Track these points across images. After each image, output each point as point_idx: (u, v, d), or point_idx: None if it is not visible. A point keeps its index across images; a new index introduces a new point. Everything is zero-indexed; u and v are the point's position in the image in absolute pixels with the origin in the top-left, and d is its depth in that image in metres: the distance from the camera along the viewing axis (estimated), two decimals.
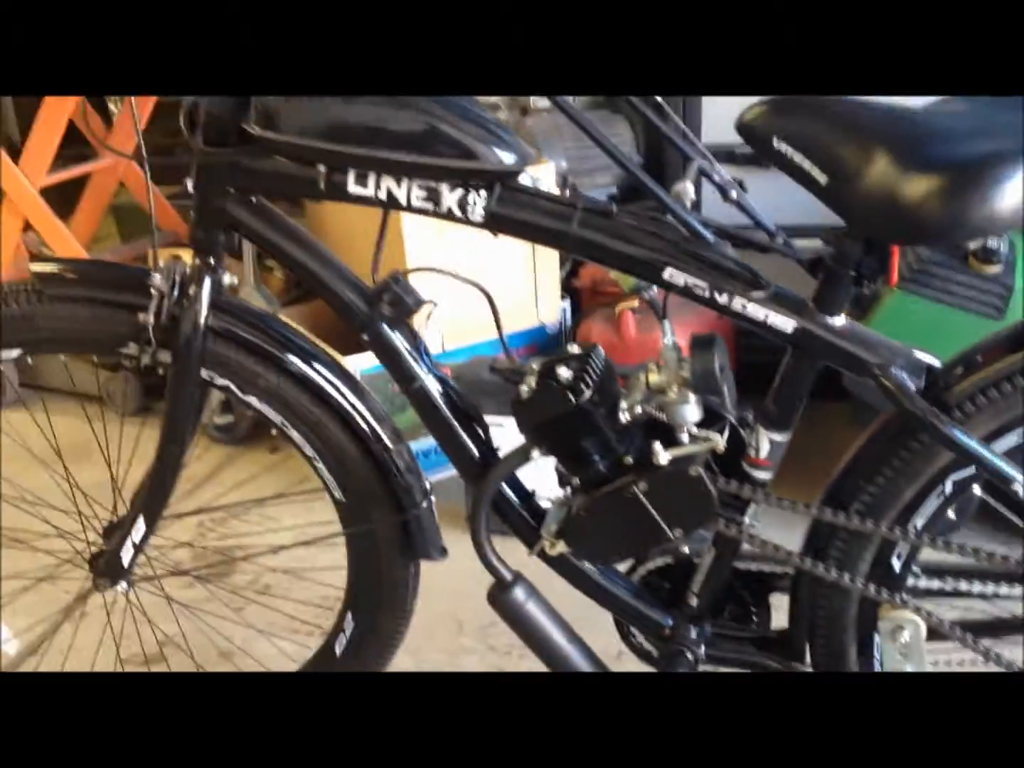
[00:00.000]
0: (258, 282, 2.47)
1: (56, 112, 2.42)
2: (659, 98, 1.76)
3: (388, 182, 1.12)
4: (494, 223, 1.11)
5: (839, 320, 1.08)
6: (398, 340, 1.22)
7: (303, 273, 1.21)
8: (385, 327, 1.21)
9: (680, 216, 1.09)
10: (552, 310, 2.37)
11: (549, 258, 2.31)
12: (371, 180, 1.12)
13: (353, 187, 1.13)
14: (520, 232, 1.13)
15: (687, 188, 1.16)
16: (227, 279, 1.25)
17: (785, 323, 1.07)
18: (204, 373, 1.27)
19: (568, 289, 2.47)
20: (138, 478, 1.36)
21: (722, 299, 1.07)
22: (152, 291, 1.20)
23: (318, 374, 1.29)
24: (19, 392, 2.52)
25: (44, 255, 2.61)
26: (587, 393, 1.11)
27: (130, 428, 1.51)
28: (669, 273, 1.08)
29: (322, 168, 1.12)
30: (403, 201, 1.12)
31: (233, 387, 1.29)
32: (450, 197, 1.11)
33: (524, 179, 1.12)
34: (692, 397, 1.11)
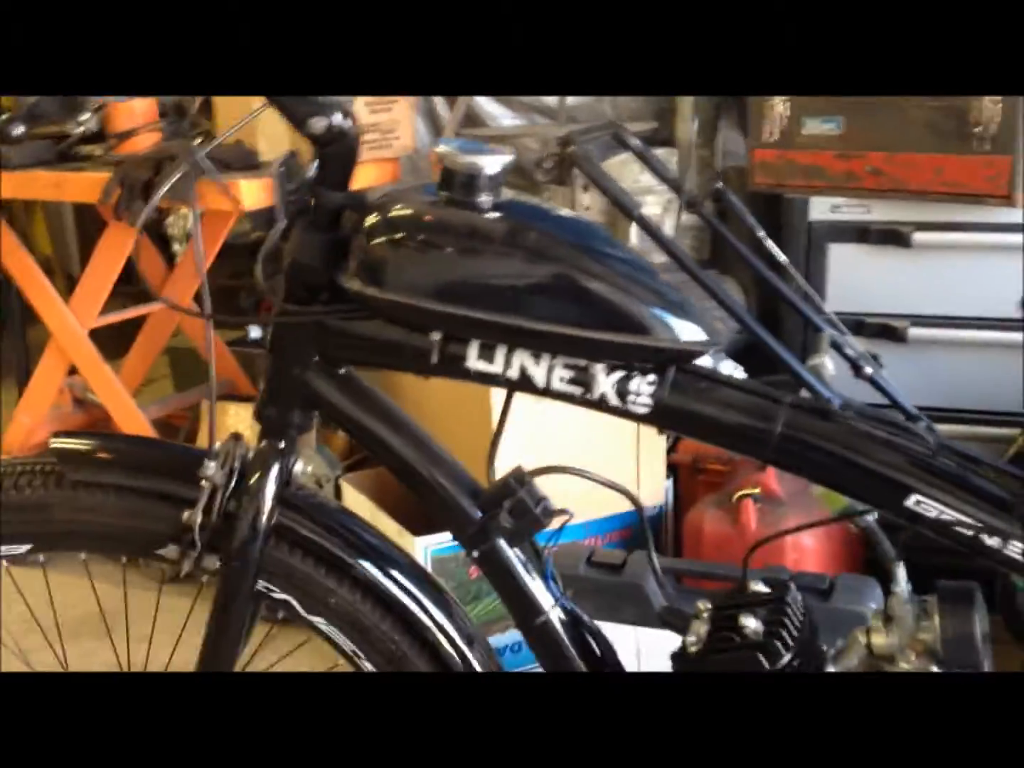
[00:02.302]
0: (320, 443, 2.21)
1: (113, 250, 2.22)
2: (783, 258, 1.51)
3: (522, 358, 0.85)
4: (663, 417, 0.84)
5: None
6: (518, 561, 0.93)
7: (401, 467, 0.94)
8: (502, 543, 0.92)
9: (820, 394, 0.84)
10: (654, 489, 2.06)
11: (654, 431, 2.02)
12: (499, 354, 0.85)
13: (475, 362, 0.86)
14: (699, 430, 0.85)
15: (825, 362, 0.94)
16: (299, 467, 0.98)
17: None
18: (260, 584, 0.99)
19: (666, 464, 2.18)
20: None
21: (991, 541, 0.77)
22: (203, 482, 0.93)
23: (404, 592, 1.00)
24: None
25: (85, 402, 2.39)
26: (785, 656, 0.81)
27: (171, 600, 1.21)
28: (915, 500, 0.78)
29: (436, 336, 0.86)
30: (540, 383, 0.85)
31: (295, 603, 1.01)
32: (605, 382, 0.83)
33: (704, 361, 0.85)
34: (936, 670, 0.80)
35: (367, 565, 0.99)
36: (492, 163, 0.84)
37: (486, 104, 2.38)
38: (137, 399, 2.49)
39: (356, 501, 1.99)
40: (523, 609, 0.93)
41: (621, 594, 1.62)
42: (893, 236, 1.99)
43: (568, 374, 0.84)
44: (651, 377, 0.83)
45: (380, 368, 0.93)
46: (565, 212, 0.91)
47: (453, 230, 0.85)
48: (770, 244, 1.43)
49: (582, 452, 1.99)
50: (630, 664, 1.68)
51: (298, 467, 0.98)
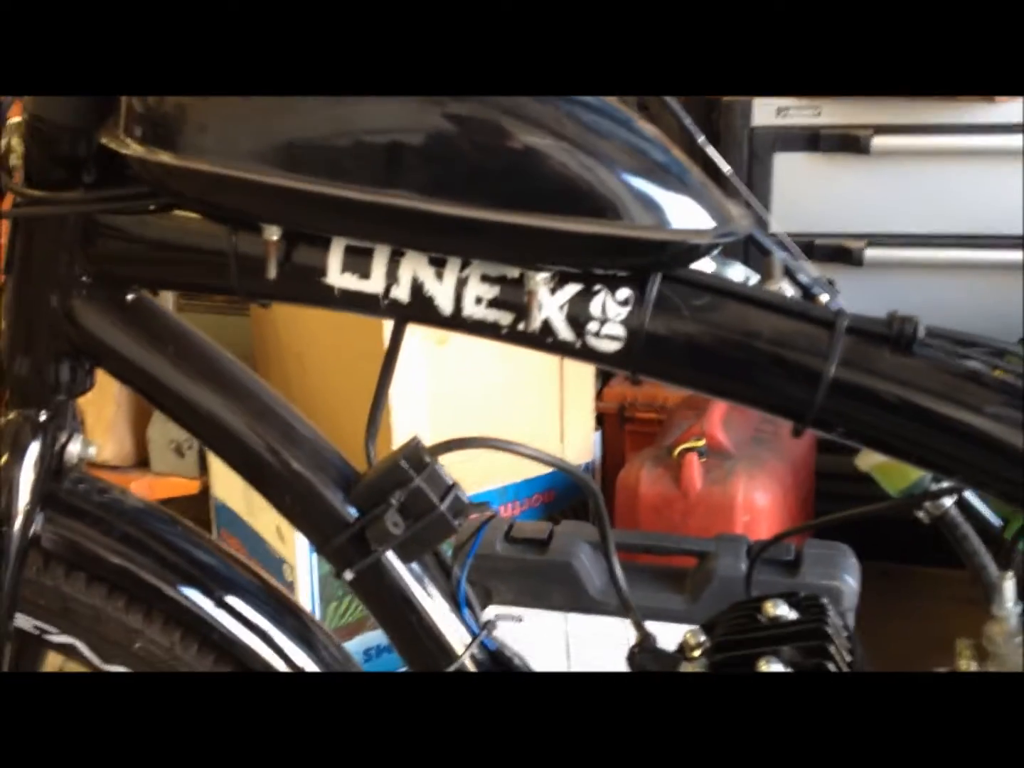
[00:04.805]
0: None
1: None
2: (726, 169, 1.28)
3: (416, 267, 0.52)
4: (643, 355, 0.52)
5: None
6: (414, 583, 0.61)
7: (229, 445, 0.61)
8: (390, 558, 0.60)
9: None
10: (581, 444, 1.76)
11: (582, 371, 1.70)
12: (379, 261, 0.53)
13: (339, 276, 0.53)
14: (699, 377, 0.53)
15: (783, 290, 0.67)
16: (76, 447, 0.65)
17: None
18: (26, 623, 0.66)
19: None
20: None
21: None
22: None
23: (247, 628, 0.67)
24: None
25: None
26: None
27: None
28: None
29: (274, 234, 0.52)
30: (446, 308, 0.53)
31: (83, 648, 0.69)
32: (549, 302, 0.51)
33: (706, 265, 0.53)
34: None
35: (191, 594, 0.66)
36: None
37: None
38: None
39: (225, 474, 1.63)
40: (424, 654, 0.61)
41: (548, 575, 1.36)
42: (848, 142, 1.72)
43: (490, 292, 0.52)
44: (623, 292, 0.51)
45: (185, 291, 0.59)
46: None
47: None
48: (712, 152, 1.18)
49: (496, 401, 1.71)
50: (558, 659, 1.41)
51: (75, 448, 0.64)
